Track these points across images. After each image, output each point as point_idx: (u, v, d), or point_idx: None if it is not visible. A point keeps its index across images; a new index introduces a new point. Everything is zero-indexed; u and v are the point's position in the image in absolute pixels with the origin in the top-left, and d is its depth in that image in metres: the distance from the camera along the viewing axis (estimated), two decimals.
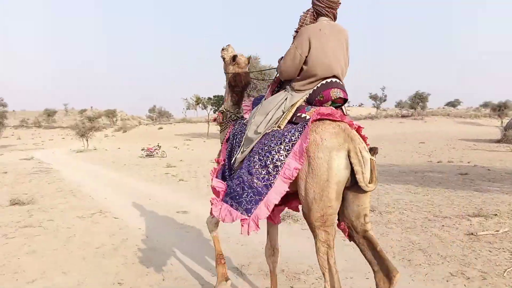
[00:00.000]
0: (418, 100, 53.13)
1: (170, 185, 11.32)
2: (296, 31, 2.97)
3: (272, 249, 3.46)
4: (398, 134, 34.72)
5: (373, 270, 2.57)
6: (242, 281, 4.11)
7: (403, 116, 54.90)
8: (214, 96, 51.46)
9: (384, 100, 65.61)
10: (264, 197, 2.58)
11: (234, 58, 3.62)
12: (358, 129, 2.65)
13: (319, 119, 2.57)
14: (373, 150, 2.53)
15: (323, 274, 2.49)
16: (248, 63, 3.75)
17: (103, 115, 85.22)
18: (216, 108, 50.75)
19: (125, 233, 5.99)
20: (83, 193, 9.95)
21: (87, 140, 36.49)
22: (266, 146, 2.68)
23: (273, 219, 3.35)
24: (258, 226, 2.58)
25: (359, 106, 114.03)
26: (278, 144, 2.60)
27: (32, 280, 4.13)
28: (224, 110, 3.72)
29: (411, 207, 7.16)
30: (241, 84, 3.63)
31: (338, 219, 2.66)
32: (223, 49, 3.74)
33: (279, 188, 2.55)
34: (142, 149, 26.13)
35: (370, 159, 2.48)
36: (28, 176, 13.85)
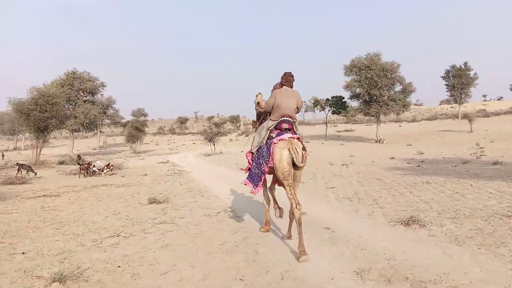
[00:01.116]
0: None
1: None
2: (272, 91, 5.79)
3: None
4: None
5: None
6: (363, 286, 3.94)
7: None
8: (332, 97, 50.46)
9: None
10: (262, 179, 5.58)
11: (258, 103, 6.30)
12: (299, 139, 5.29)
13: (279, 140, 5.20)
14: (304, 149, 5.20)
15: (291, 200, 5.02)
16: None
17: (228, 121, 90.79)
18: (335, 109, 50.10)
19: (246, 231, 6.24)
20: (210, 193, 10.67)
21: (214, 144, 39.07)
22: (260, 154, 5.54)
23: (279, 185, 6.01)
24: (255, 192, 5.63)
25: (498, 100, 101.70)
26: (264, 154, 5.41)
27: (165, 272, 4.53)
28: (256, 125, 6.36)
29: None
30: (260, 117, 6.26)
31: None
32: (256, 96, 6.41)
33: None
34: None
35: (302, 152, 5.05)
36: (164, 178, 15.39)
